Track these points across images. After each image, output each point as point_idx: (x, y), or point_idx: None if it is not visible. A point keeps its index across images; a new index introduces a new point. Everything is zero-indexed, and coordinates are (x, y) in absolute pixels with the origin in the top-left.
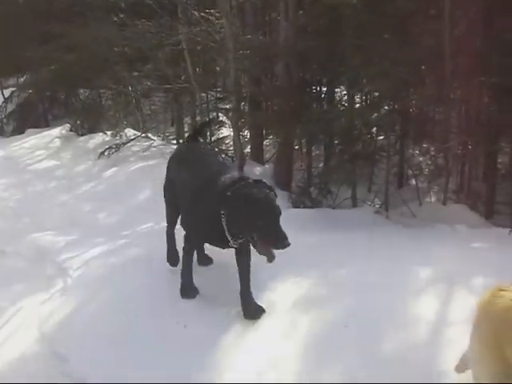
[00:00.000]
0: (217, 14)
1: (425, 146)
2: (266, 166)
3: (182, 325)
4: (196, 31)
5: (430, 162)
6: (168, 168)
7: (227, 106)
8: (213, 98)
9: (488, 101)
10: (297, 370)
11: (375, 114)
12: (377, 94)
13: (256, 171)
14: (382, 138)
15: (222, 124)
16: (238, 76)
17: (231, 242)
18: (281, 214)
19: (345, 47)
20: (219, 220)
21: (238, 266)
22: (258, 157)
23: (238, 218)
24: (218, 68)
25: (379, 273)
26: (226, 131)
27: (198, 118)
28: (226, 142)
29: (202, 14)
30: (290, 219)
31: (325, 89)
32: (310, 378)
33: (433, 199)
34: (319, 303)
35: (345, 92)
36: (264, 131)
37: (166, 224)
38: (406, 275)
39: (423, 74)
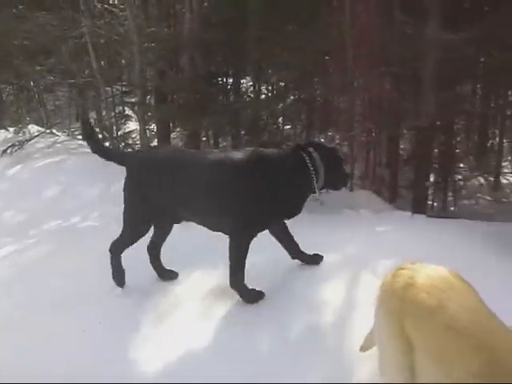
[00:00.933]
0: (121, 6)
1: (330, 134)
2: None
3: (96, 321)
4: (99, 24)
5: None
6: (139, 182)
7: (133, 100)
8: (118, 92)
9: (389, 89)
10: (206, 359)
11: (281, 104)
12: (282, 84)
13: None
14: (288, 127)
15: (128, 118)
16: (143, 69)
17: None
18: None
19: (248, 38)
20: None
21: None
22: None
23: (336, 169)
24: (123, 61)
25: (289, 260)
26: (133, 125)
27: (103, 113)
28: (133, 135)
29: (105, 5)
30: None
31: (231, 80)
32: (220, 370)
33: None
34: (231, 292)
35: (251, 83)
36: (171, 124)
37: (75, 221)
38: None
39: (326, 63)
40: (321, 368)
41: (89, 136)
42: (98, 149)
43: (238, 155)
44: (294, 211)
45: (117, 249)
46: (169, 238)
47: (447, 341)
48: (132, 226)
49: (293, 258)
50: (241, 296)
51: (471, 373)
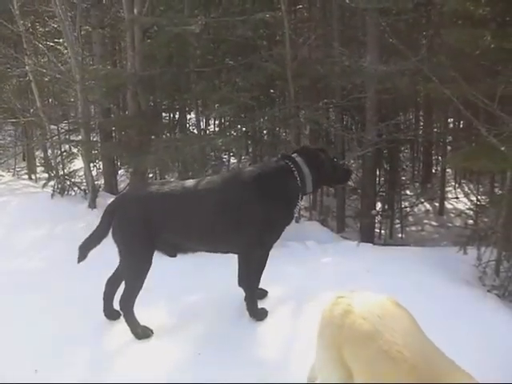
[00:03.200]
0: (64, 44)
1: None
2: None
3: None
4: (43, 62)
5: None
6: (144, 217)
7: (78, 138)
8: (63, 130)
9: (332, 120)
10: None
11: (222, 139)
12: (228, 118)
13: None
14: (234, 161)
15: (74, 156)
16: (87, 107)
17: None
18: None
19: (189, 74)
20: (296, 194)
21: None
22: (111, 188)
23: (325, 169)
24: (68, 100)
25: (234, 296)
26: (80, 163)
27: (49, 152)
28: (80, 174)
29: (50, 43)
30: None
31: (177, 116)
32: None
33: None
34: (173, 331)
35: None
36: (118, 162)
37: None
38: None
39: (268, 97)
40: None
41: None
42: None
43: (232, 177)
44: (290, 218)
45: (129, 303)
46: None
47: (382, 366)
48: (138, 268)
49: (239, 285)
50: (251, 314)
51: None
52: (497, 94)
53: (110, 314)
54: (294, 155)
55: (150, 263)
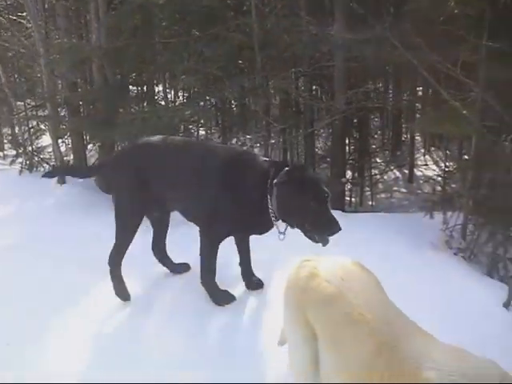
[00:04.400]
0: (28, 17)
1: (249, 137)
2: None
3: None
4: (6, 36)
5: None
6: (137, 168)
7: (45, 113)
8: (30, 106)
9: (302, 88)
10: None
11: (189, 110)
12: (196, 90)
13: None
14: (203, 132)
15: (42, 132)
16: (53, 81)
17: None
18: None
19: (155, 46)
20: (262, 207)
21: (240, 249)
22: (81, 163)
23: (293, 206)
24: (34, 75)
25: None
26: (48, 139)
27: (16, 128)
28: (49, 150)
29: (12, 17)
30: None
31: (144, 88)
32: None
33: None
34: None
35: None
36: (86, 137)
37: None
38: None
39: (236, 67)
40: (239, 366)
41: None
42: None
43: (227, 153)
44: (256, 228)
45: (116, 260)
46: None
47: (344, 328)
48: (127, 222)
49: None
50: (210, 295)
51: (364, 359)
52: (460, 60)
53: (179, 269)
54: (275, 177)
55: (140, 218)
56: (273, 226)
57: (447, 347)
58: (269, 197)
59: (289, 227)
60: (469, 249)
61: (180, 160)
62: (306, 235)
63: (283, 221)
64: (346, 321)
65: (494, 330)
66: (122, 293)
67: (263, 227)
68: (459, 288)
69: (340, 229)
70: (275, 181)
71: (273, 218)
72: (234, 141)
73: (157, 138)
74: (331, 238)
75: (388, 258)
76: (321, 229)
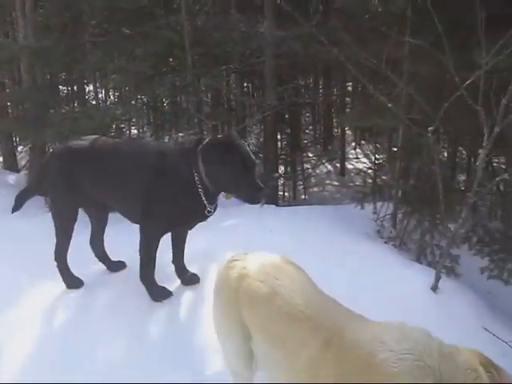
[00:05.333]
0: None
1: (181, 134)
2: (22, 173)
3: None
4: None
5: None
6: (66, 171)
7: None
8: None
9: (233, 85)
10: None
11: (121, 109)
12: (127, 88)
13: (10, 180)
14: (135, 131)
15: None
16: None
17: (208, 207)
18: None
19: (85, 44)
20: (192, 189)
21: (174, 243)
22: (11, 165)
23: (222, 173)
24: None
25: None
26: None
27: None
28: None
29: None
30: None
31: (74, 88)
32: None
33: None
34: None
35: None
36: (16, 138)
37: None
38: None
39: (167, 65)
40: (177, 362)
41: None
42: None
43: (149, 148)
44: (191, 215)
45: (60, 254)
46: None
47: (286, 326)
48: (62, 222)
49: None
50: (148, 292)
51: (314, 354)
52: (385, 56)
53: (114, 266)
54: (199, 146)
55: (73, 218)
56: (206, 210)
57: (386, 326)
58: (195, 174)
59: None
60: (398, 237)
61: (107, 161)
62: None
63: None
64: (286, 320)
65: (422, 312)
66: (73, 282)
67: (197, 213)
68: (390, 275)
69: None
70: (199, 148)
71: (204, 199)
72: (167, 138)
73: (87, 139)
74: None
75: (321, 250)
76: (245, 197)
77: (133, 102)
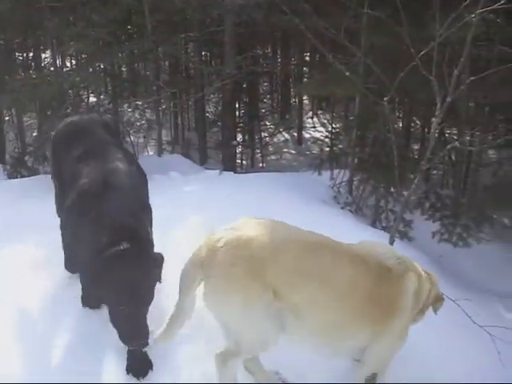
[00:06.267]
0: None
1: (139, 102)
2: None
3: None
4: None
5: (139, 117)
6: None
7: None
8: None
9: (192, 53)
10: None
11: (79, 76)
12: (85, 55)
13: None
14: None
15: None
16: None
17: None
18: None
19: (42, 10)
20: None
21: None
22: None
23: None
24: None
25: None
26: None
27: None
28: None
29: None
30: (6, 191)
31: (31, 54)
32: None
33: (151, 153)
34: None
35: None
36: None
37: None
38: None
39: (126, 32)
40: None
41: None
42: None
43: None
44: None
45: None
46: None
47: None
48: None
49: None
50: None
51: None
52: (344, 27)
53: None
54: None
55: None
56: None
57: (362, 243)
58: None
59: None
60: (355, 203)
61: None
62: None
63: None
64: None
65: None
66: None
67: None
68: (346, 239)
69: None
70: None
71: None
72: (125, 106)
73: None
74: None
75: (281, 215)
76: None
77: (91, 69)
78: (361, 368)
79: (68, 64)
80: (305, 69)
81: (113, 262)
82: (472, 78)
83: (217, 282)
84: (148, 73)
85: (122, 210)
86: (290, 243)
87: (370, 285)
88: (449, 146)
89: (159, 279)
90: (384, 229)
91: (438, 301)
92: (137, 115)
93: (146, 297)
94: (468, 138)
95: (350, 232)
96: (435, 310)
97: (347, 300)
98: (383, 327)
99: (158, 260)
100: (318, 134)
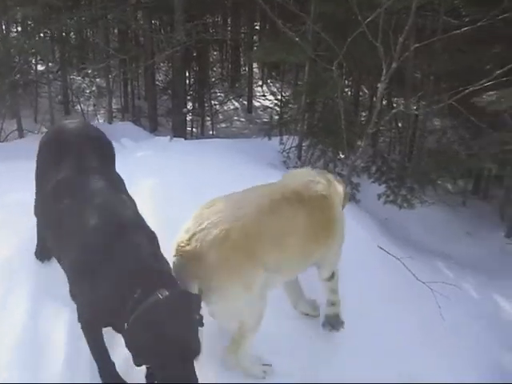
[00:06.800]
0: None
1: (86, 70)
2: None
3: None
4: None
5: (90, 85)
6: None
7: None
8: None
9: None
10: None
11: (27, 42)
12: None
13: None
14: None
15: None
16: None
17: None
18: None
19: None
20: None
21: None
22: None
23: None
24: None
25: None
26: None
27: None
28: None
29: None
30: None
31: None
32: None
33: (101, 120)
34: None
35: None
36: None
37: None
38: None
39: None
40: None
41: None
42: None
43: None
44: None
45: None
46: None
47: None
48: None
49: None
50: None
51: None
52: None
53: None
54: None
55: None
56: None
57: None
58: None
59: None
60: (304, 167)
61: None
62: None
63: None
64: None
65: None
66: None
67: None
68: None
69: None
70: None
71: None
72: (75, 73)
73: None
74: None
75: (230, 178)
76: None
77: (39, 36)
78: (322, 270)
79: (14, 30)
80: (255, 37)
81: (157, 315)
82: (416, 45)
83: (220, 285)
84: (97, 41)
85: (139, 250)
86: (252, 215)
87: (314, 217)
88: (394, 111)
89: (202, 324)
90: None
91: (346, 198)
92: (86, 83)
93: (198, 349)
94: (414, 105)
95: None
96: (343, 207)
97: (304, 237)
98: (330, 240)
99: (197, 301)
100: (267, 103)
